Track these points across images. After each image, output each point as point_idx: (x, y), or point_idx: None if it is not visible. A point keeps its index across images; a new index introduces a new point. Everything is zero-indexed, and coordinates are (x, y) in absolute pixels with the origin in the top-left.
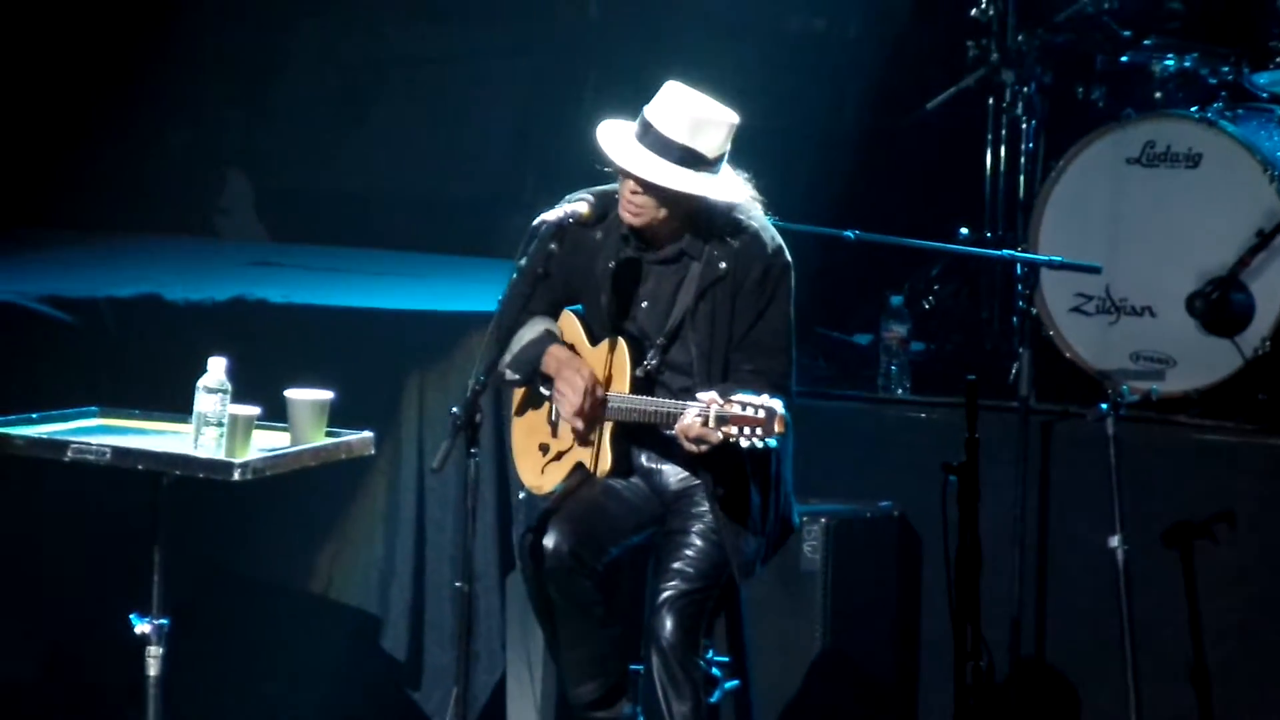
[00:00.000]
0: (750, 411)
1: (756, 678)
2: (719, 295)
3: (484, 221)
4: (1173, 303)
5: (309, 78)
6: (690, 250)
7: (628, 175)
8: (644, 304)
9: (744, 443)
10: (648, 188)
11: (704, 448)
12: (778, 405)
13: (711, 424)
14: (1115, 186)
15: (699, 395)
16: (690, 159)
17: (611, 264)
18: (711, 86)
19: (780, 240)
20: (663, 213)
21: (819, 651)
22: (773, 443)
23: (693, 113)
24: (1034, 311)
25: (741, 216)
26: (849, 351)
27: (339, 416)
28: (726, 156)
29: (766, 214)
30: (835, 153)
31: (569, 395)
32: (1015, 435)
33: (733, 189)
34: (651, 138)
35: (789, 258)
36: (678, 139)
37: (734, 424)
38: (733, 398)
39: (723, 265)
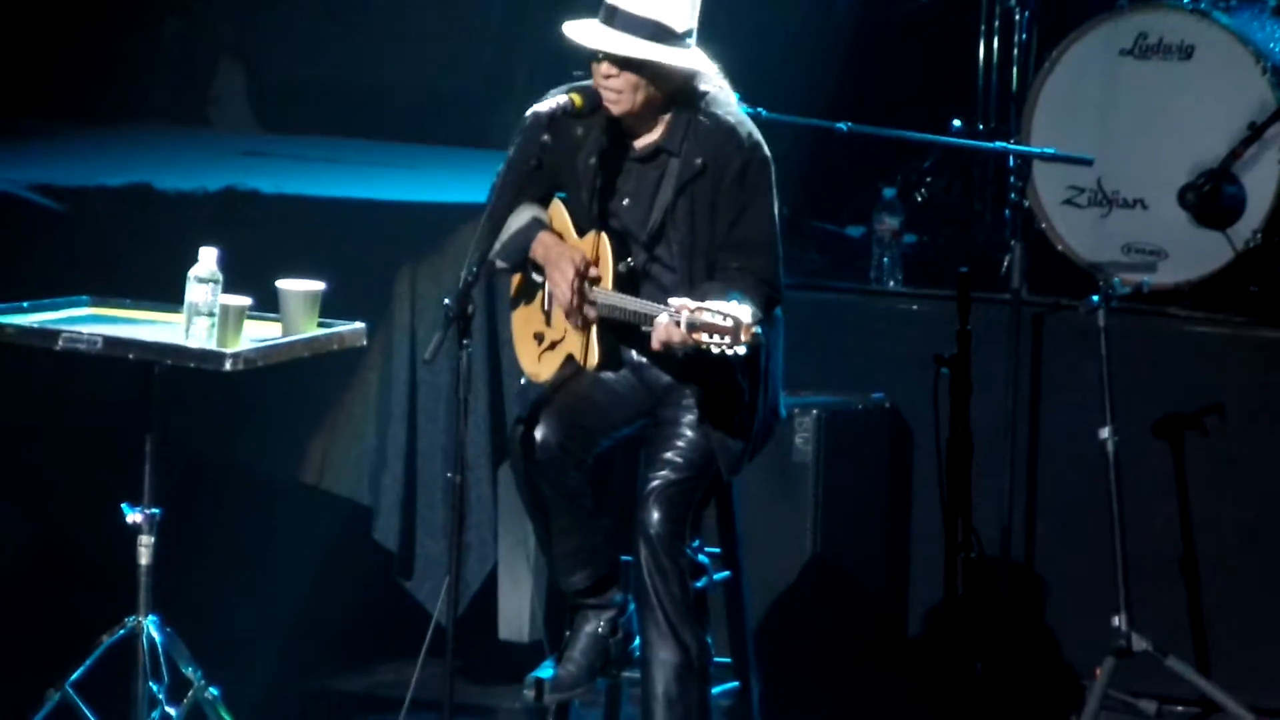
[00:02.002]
0: (719, 320)
1: (748, 568)
2: (698, 192)
3: (476, 113)
4: (1165, 195)
5: None
6: (668, 146)
7: (598, 56)
8: (625, 201)
9: (714, 350)
10: (620, 64)
11: (677, 352)
12: (746, 314)
13: (682, 328)
14: (1108, 78)
15: (671, 300)
16: (659, 33)
17: (592, 160)
18: None
19: (758, 134)
20: (640, 95)
21: (810, 542)
22: (741, 351)
23: None
24: (1026, 204)
25: (718, 110)
26: (841, 243)
27: (331, 308)
28: (695, 34)
29: (742, 105)
30: (827, 45)
31: (560, 284)
32: (1007, 327)
33: (704, 63)
34: (619, 16)
35: (768, 151)
36: (644, 13)
37: (703, 330)
38: (704, 304)
39: (699, 161)
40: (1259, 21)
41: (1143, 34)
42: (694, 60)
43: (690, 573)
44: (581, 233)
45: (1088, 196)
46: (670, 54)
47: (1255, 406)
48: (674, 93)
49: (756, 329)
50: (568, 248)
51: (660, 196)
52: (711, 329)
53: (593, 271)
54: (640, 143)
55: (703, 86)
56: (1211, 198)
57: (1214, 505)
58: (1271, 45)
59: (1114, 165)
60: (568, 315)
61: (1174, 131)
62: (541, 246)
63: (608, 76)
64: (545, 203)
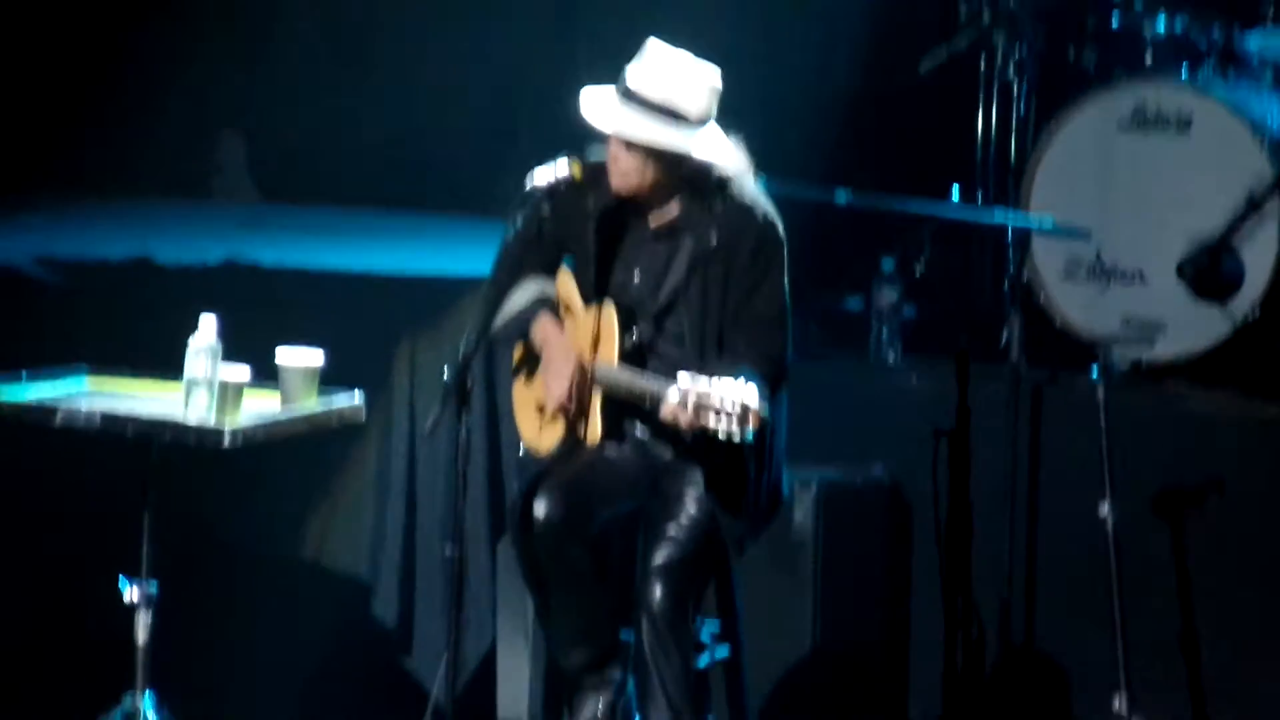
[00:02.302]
0: (728, 405)
1: (747, 644)
2: (711, 269)
3: (475, 182)
4: (1163, 268)
5: (303, 38)
6: (683, 222)
7: (608, 135)
8: (636, 276)
9: (721, 434)
10: (629, 146)
11: (683, 433)
12: (753, 400)
13: (689, 410)
14: (1106, 150)
15: (679, 378)
16: (671, 117)
17: (604, 233)
18: (701, 46)
19: (774, 212)
20: (649, 176)
21: (810, 618)
22: (748, 437)
23: (673, 71)
24: (1025, 276)
25: (734, 188)
26: (840, 315)
27: (330, 379)
28: (713, 116)
29: (758, 178)
30: (827, 114)
31: (553, 385)
32: (1006, 400)
33: (718, 149)
34: (634, 97)
35: (782, 230)
36: (658, 97)
37: (710, 413)
38: (712, 386)
39: (715, 238)
40: (1256, 94)
41: (1141, 106)
42: (707, 145)
43: (692, 651)
44: (589, 303)
45: (1086, 269)
46: (682, 140)
47: (1255, 481)
48: (687, 175)
49: (764, 413)
50: (566, 346)
51: (672, 273)
52: (719, 412)
53: (588, 363)
54: (655, 220)
55: (723, 170)
56: (1210, 271)
57: (1214, 582)
58: (1269, 118)
59: (1112, 238)
60: (562, 408)
61: (1172, 204)
62: (542, 333)
63: (616, 155)
64: (552, 271)
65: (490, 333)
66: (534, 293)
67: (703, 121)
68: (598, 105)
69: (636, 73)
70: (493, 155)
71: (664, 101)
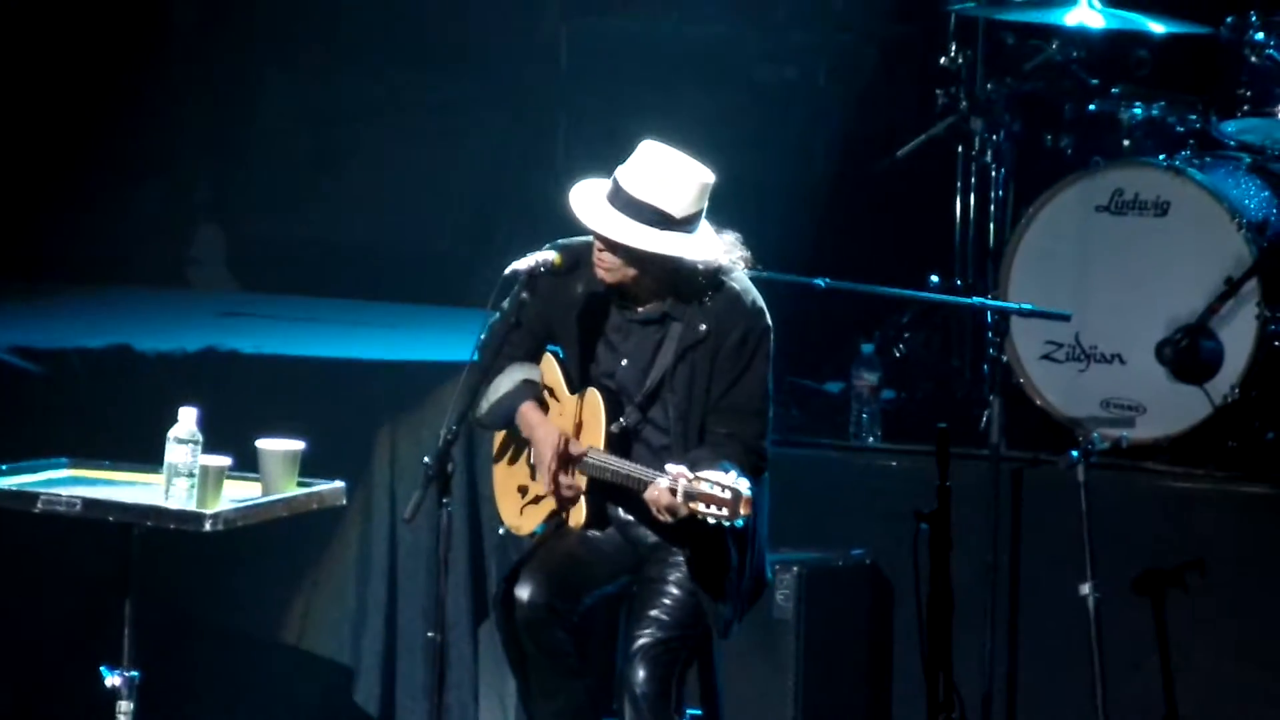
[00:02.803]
0: (717, 491)
1: None
2: (698, 357)
3: (455, 271)
4: (1142, 350)
5: (280, 130)
6: (672, 311)
7: (594, 235)
8: (624, 362)
9: (710, 520)
10: (614, 247)
11: (672, 519)
12: (744, 487)
13: (680, 498)
14: (1084, 234)
15: (668, 467)
16: (659, 219)
17: (589, 318)
18: (680, 135)
19: (761, 302)
20: (632, 272)
21: (792, 700)
22: (739, 524)
23: (663, 172)
24: (1004, 359)
25: (724, 278)
26: (820, 399)
27: (311, 466)
28: (702, 215)
29: (748, 269)
30: (806, 200)
31: (539, 471)
32: (986, 483)
33: (704, 249)
34: (621, 198)
35: (769, 320)
36: (646, 199)
37: (701, 501)
38: (701, 475)
39: (703, 327)
40: (1233, 178)
41: (1119, 190)
42: (694, 246)
43: None
44: (574, 389)
45: (1066, 351)
46: (663, 241)
47: (1235, 562)
48: (674, 271)
49: (755, 498)
50: (552, 432)
51: (660, 360)
52: (710, 499)
53: (574, 449)
54: (643, 307)
55: (713, 266)
56: (1189, 353)
57: (1196, 661)
58: (1246, 201)
59: (1091, 320)
60: (553, 493)
61: (1151, 287)
62: (526, 424)
63: (601, 251)
64: (536, 357)
65: (475, 417)
66: (519, 377)
67: (691, 222)
68: (588, 203)
69: (626, 173)
70: (471, 248)
71: (652, 203)
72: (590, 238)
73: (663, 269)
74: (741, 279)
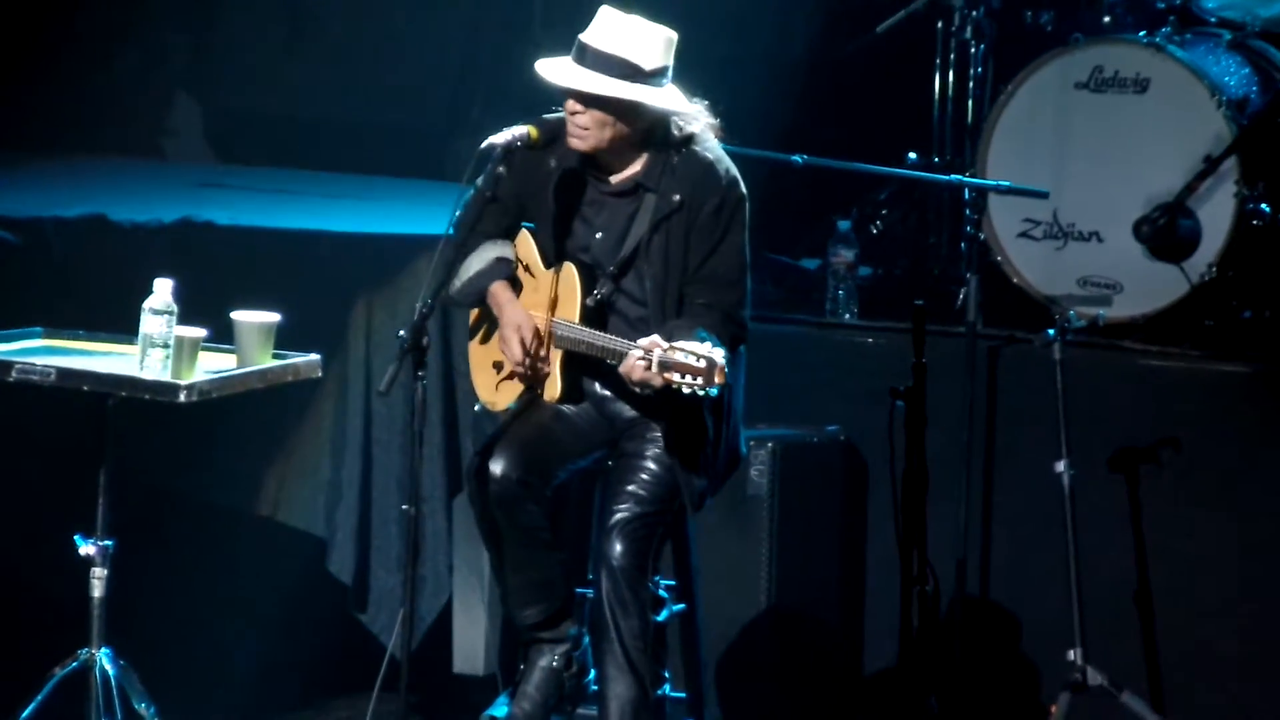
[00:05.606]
0: (691, 360)
1: (703, 601)
2: (673, 227)
3: (432, 145)
4: (1120, 228)
5: (256, 2)
6: (645, 181)
7: (566, 92)
8: (598, 234)
9: (685, 390)
10: (587, 102)
11: (647, 390)
12: (718, 356)
13: (654, 369)
14: (1063, 111)
15: (641, 339)
16: (628, 71)
17: (563, 192)
18: (657, 12)
19: (736, 171)
20: (607, 132)
21: (765, 575)
22: (713, 392)
23: (627, 28)
24: (982, 236)
25: (697, 147)
26: (797, 276)
27: (286, 339)
28: (669, 71)
29: (720, 139)
30: (783, 78)
31: (509, 351)
32: (962, 361)
33: (676, 101)
34: (589, 55)
35: (744, 189)
36: (614, 52)
37: (675, 370)
38: (676, 344)
39: (677, 197)
40: (1214, 55)
41: (1098, 67)
42: (665, 99)
43: (651, 606)
44: (549, 264)
45: (1043, 229)
46: (638, 92)
47: (1210, 439)
48: (647, 131)
49: (727, 370)
50: (520, 313)
51: (634, 231)
52: (684, 369)
53: (546, 325)
54: (616, 178)
55: (687, 127)
56: (1167, 231)
57: (1169, 538)
58: (1226, 79)
59: (1069, 198)
60: (521, 368)
61: (1129, 164)
62: (495, 303)
63: (574, 113)
64: (512, 233)
65: (447, 294)
66: (493, 254)
67: (659, 75)
68: (555, 66)
69: (590, 34)
70: (447, 122)
71: (620, 55)
72: (561, 114)
73: (636, 128)
74: (715, 148)
